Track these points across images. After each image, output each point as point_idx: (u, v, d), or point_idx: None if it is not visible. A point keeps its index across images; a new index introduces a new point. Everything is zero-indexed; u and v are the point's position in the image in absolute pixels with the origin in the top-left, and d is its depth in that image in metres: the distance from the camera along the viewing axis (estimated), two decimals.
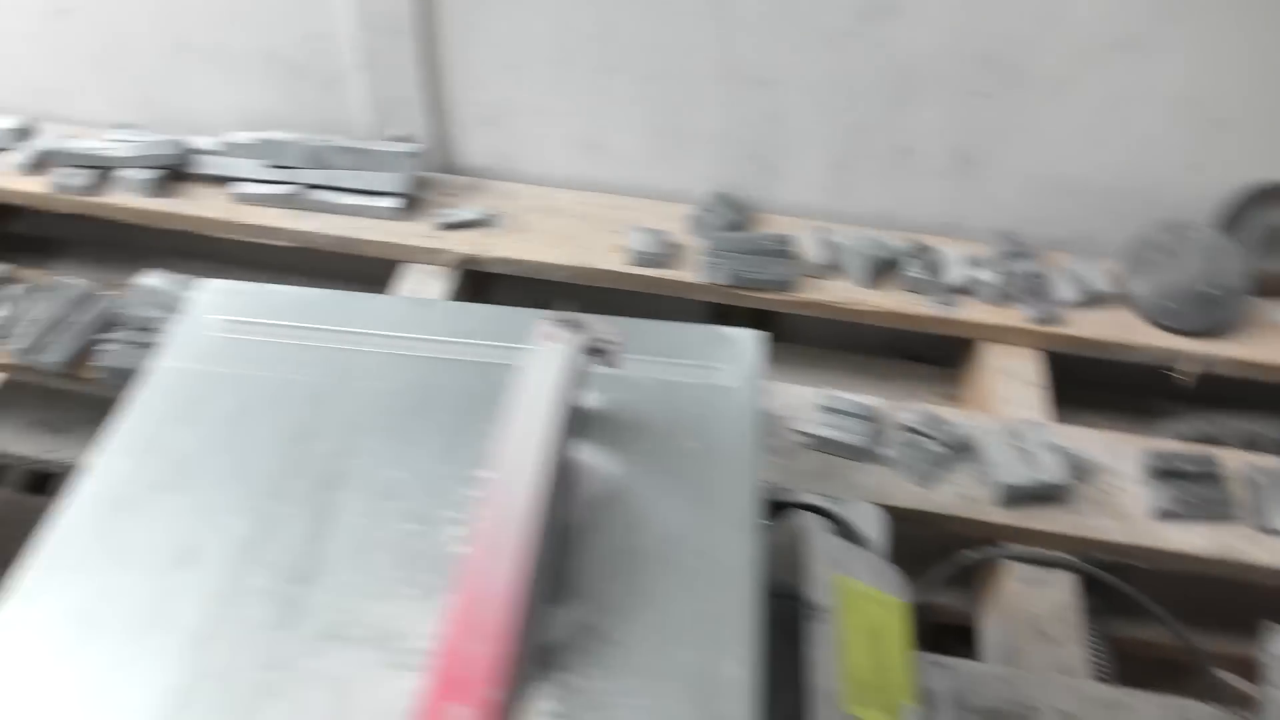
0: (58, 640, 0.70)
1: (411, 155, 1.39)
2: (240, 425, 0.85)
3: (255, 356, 0.90)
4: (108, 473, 0.81)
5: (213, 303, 0.94)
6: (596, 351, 0.78)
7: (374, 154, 1.39)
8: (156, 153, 1.40)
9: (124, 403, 0.87)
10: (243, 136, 1.42)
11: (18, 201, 1.42)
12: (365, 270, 1.41)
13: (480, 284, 1.40)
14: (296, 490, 0.80)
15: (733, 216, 1.40)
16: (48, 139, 1.45)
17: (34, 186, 1.41)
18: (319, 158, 1.40)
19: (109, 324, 1.23)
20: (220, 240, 1.40)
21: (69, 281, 1.25)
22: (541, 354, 0.75)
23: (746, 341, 0.95)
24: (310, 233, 1.37)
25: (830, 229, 1.39)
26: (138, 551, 0.76)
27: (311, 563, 0.76)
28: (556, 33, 1.32)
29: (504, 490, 0.65)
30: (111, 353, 1.18)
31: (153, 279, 1.20)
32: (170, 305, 1.19)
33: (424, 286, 1.34)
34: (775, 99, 1.34)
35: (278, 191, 1.38)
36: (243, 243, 1.40)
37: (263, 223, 1.38)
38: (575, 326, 0.79)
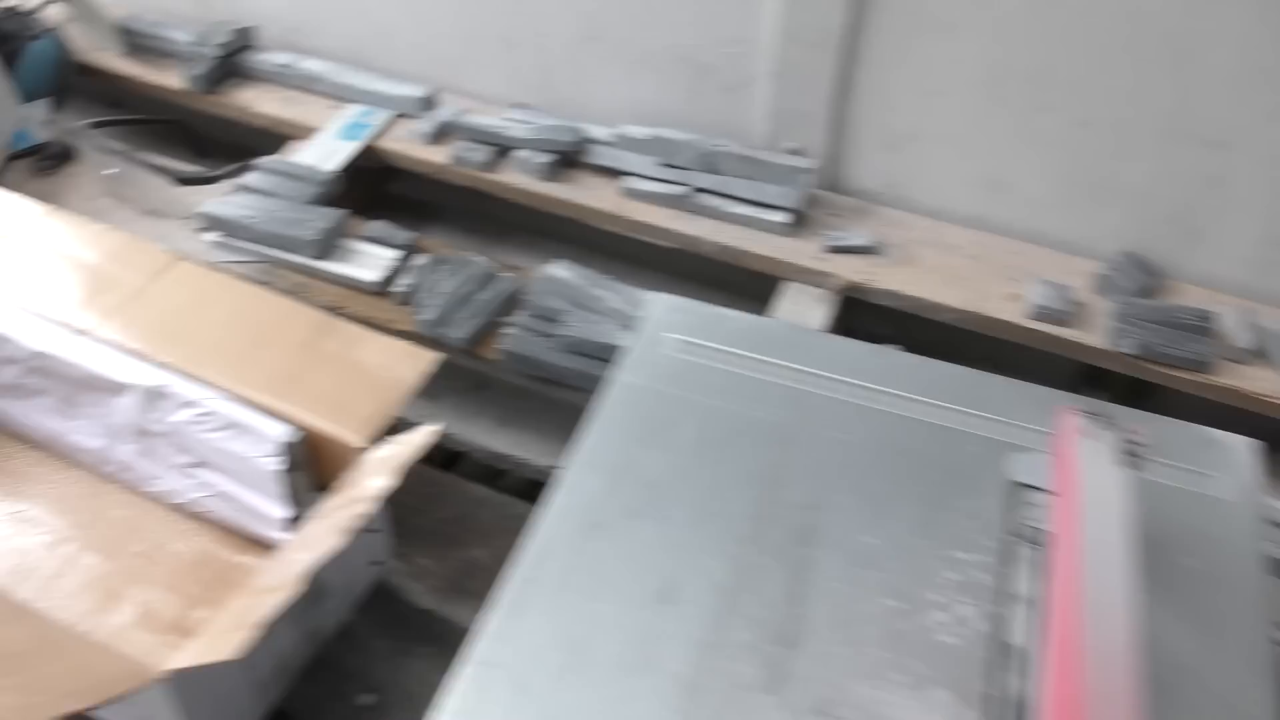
0: (549, 664, 0.70)
1: (805, 171, 1.35)
2: (707, 457, 0.83)
3: (714, 384, 0.88)
4: (579, 490, 0.80)
5: (666, 319, 0.92)
6: (1129, 454, 0.71)
7: (767, 165, 1.36)
8: (554, 138, 1.41)
9: (589, 415, 0.86)
10: (637, 131, 1.41)
11: (419, 169, 1.46)
12: (742, 282, 1.38)
13: (851, 313, 1.34)
14: (771, 540, 0.78)
15: (1144, 280, 1.29)
16: (448, 111, 1.49)
17: (435, 156, 1.45)
18: (711, 162, 1.37)
19: (509, 306, 1.25)
20: (595, 230, 1.40)
21: (473, 259, 1.27)
22: (1093, 457, 0.69)
23: (1240, 449, 0.85)
24: (695, 237, 1.35)
25: (1256, 309, 1.26)
26: (618, 581, 0.75)
27: (793, 625, 0.73)
28: (989, 65, 1.24)
29: (1098, 626, 0.59)
30: (513, 336, 1.19)
31: (558, 269, 1.20)
32: (574, 298, 1.20)
33: (804, 309, 1.30)
34: (1222, 162, 1.22)
35: (668, 191, 1.37)
36: (621, 236, 1.40)
37: (649, 220, 1.37)
38: (1106, 421, 0.72)
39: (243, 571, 1.00)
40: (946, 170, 1.36)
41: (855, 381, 0.88)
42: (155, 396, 0.96)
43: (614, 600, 0.73)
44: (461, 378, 1.32)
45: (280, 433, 0.92)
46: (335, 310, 1.23)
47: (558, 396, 1.22)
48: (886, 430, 0.85)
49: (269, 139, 1.53)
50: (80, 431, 1.05)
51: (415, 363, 0.99)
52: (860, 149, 1.39)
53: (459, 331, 1.20)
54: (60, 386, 1.02)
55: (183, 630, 0.95)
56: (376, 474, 0.82)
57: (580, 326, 1.16)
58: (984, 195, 1.37)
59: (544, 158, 1.40)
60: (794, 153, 1.40)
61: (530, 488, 1.31)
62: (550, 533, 0.77)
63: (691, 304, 0.95)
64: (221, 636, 0.73)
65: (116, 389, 0.97)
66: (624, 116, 1.45)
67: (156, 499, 1.05)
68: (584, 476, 0.81)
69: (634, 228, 1.38)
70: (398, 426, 0.93)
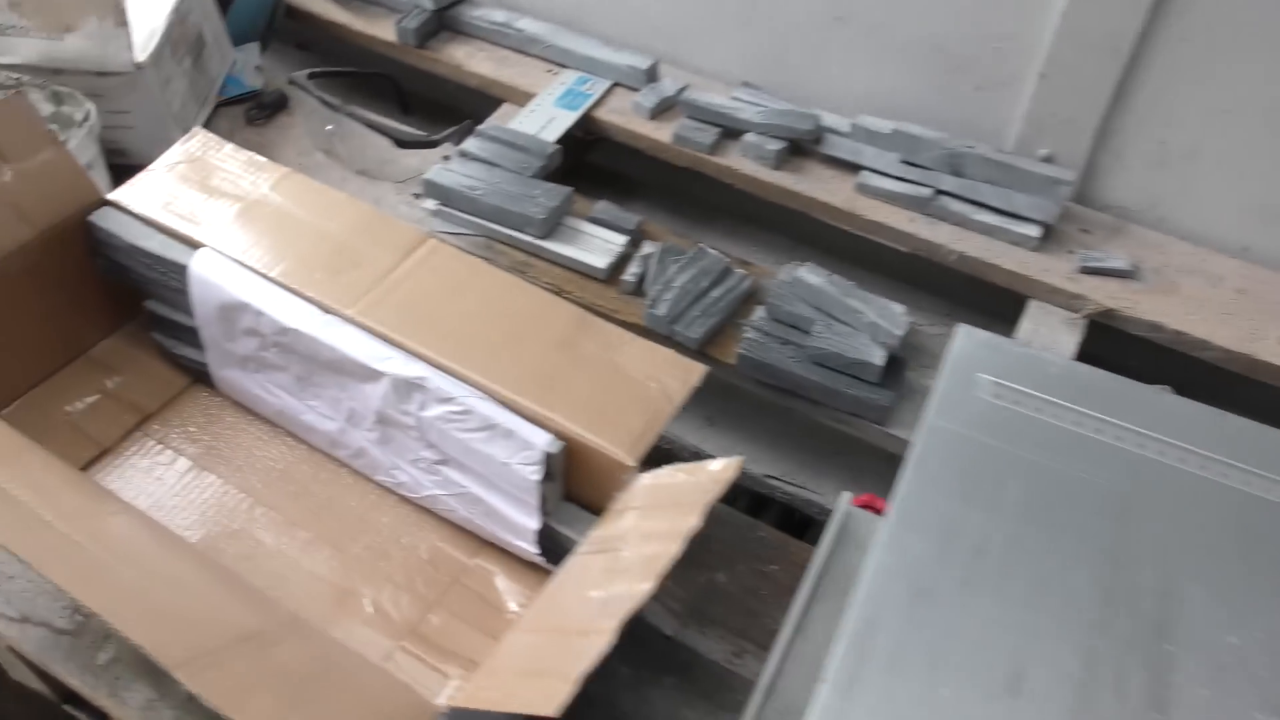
0: None
1: (1062, 182, 1.24)
2: (1039, 523, 0.75)
3: (1037, 438, 0.79)
4: (904, 551, 0.73)
5: (975, 356, 0.84)
6: None
7: (1020, 172, 1.25)
8: (788, 123, 1.32)
9: (904, 463, 0.79)
10: (877, 123, 1.31)
11: (637, 145, 1.38)
12: (978, 297, 1.29)
13: (1097, 341, 1.24)
14: (1123, 630, 0.69)
15: None
16: (670, 85, 1.40)
17: (656, 133, 1.37)
18: (957, 163, 1.28)
19: (743, 306, 1.17)
20: (818, 225, 1.31)
21: (707, 251, 1.19)
22: None
23: None
24: (935, 244, 1.26)
25: None
26: (959, 663, 0.68)
27: None
28: None
29: None
30: (751, 341, 1.11)
31: (808, 273, 1.12)
32: (824, 306, 1.11)
33: (1051, 333, 1.20)
34: None
35: (907, 191, 1.28)
36: (847, 235, 1.31)
37: (885, 221, 1.28)
38: None
39: (479, 577, 0.95)
40: (1220, 193, 1.25)
41: (1196, 449, 0.79)
42: (410, 388, 0.91)
43: (957, 686, 0.66)
44: None
45: (543, 441, 0.86)
46: (557, 293, 1.17)
47: (790, 406, 1.14)
48: (1238, 509, 0.76)
49: (478, 100, 1.47)
50: (315, 412, 1.00)
51: (682, 374, 0.92)
52: (1124, 162, 1.28)
53: (692, 331, 1.13)
54: (301, 364, 0.97)
55: (419, 636, 0.91)
56: (678, 510, 0.75)
57: (829, 338, 1.08)
58: (1257, 224, 1.25)
59: (775, 144, 1.32)
60: (1045, 160, 1.30)
61: (757, 503, 1.25)
62: (878, 598, 0.70)
63: (1002, 342, 0.87)
64: (530, 684, 0.67)
65: (369, 375, 0.92)
66: (859, 106, 1.36)
67: (387, 490, 1.00)
68: (907, 535, 0.74)
69: (866, 227, 1.29)
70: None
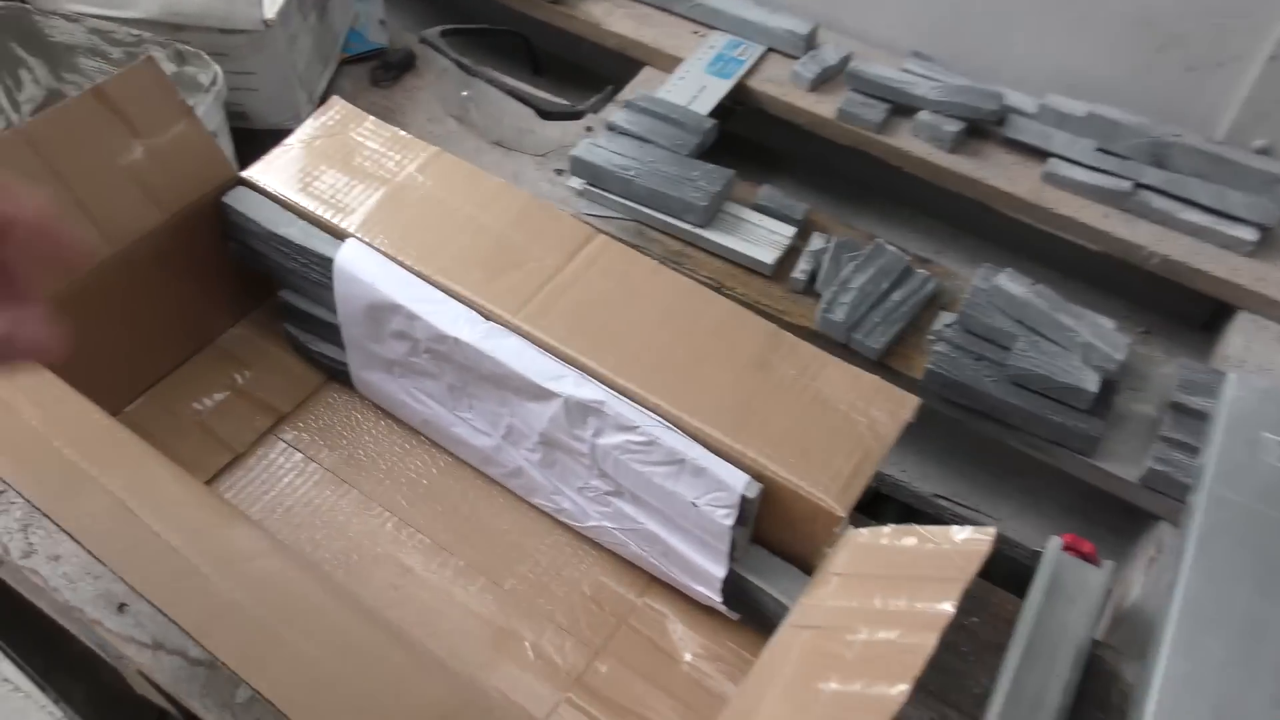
0: None
1: None
2: None
3: None
4: (1200, 658, 0.62)
5: (1258, 412, 0.71)
6: None
7: (1235, 165, 1.12)
8: (969, 101, 1.19)
9: (1183, 543, 0.67)
10: (1069, 105, 1.18)
11: (796, 119, 1.26)
12: (1176, 304, 1.16)
13: None
14: None
15: None
16: (832, 53, 1.27)
17: (818, 107, 1.24)
18: (1161, 153, 1.14)
19: (926, 312, 1.05)
20: (994, 216, 1.19)
21: (886, 248, 1.07)
22: None
23: None
24: (1132, 244, 1.12)
25: None
26: None
27: None
28: None
29: None
30: (942, 356, 1.00)
31: (1010, 282, 0.99)
32: (1028, 320, 0.99)
33: (1263, 349, 1.07)
34: None
35: (1103, 183, 1.14)
36: (1028, 228, 1.18)
37: (1075, 216, 1.15)
38: None
39: (649, 619, 0.86)
40: None
41: None
42: (585, 411, 0.81)
43: None
44: None
45: (740, 482, 0.76)
46: (718, 289, 1.06)
47: (978, 428, 1.03)
48: None
49: (616, 62, 1.35)
50: (468, 425, 0.90)
51: (892, 407, 0.80)
52: None
53: (872, 340, 1.01)
54: (456, 374, 0.87)
55: (585, 686, 0.82)
56: (922, 588, 0.65)
57: (1035, 358, 0.96)
58: None
59: (952, 125, 1.19)
60: (1262, 151, 1.16)
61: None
62: (1176, 715, 0.59)
63: None
64: None
65: (538, 394, 0.82)
66: (1046, 84, 1.22)
67: (544, 514, 0.91)
68: (1201, 637, 0.63)
69: (1053, 222, 1.16)
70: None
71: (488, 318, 0.85)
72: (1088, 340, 0.95)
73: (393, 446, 0.95)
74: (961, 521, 1.12)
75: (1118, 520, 1.06)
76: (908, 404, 0.81)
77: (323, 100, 1.21)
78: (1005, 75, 1.24)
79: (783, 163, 1.39)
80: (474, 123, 1.21)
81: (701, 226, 1.09)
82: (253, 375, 0.99)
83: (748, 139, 1.37)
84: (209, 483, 0.91)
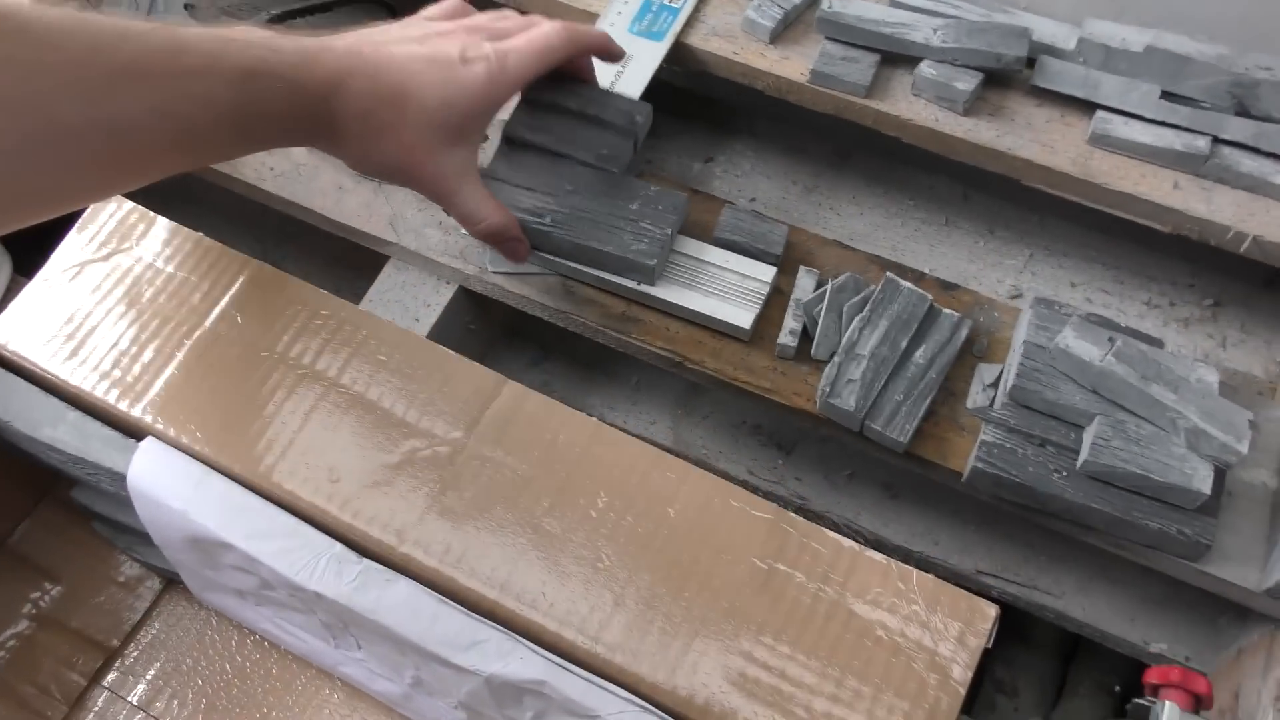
0: None
1: None
2: None
3: None
4: None
5: None
6: None
7: None
8: (984, 45, 0.88)
9: None
10: (1117, 34, 0.88)
11: (755, 83, 0.95)
12: (1254, 294, 0.90)
13: None
14: None
15: None
16: None
17: (781, 66, 0.93)
18: (1246, 96, 0.85)
19: (961, 366, 0.79)
20: (1019, 190, 0.91)
21: (902, 285, 0.80)
22: None
23: None
24: (1212, 223, 0.85)
25: None
26: None
27: None
28: None
29: None
30: (993, 447, 0.74)
31: (1074, 337, 0.73)
32: (1106, 390, 0.73)
33: None
34: None
35: (1170, 143, 0.86)
36: (1070, 205, 0.91)
37: (1135, 191, 0.86)
38: None
39: None
40: None
41: None
42: (520, 692, 0.55)
43: None
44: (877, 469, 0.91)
45: None
46: (679, 365, 0.79)
47: (1046, 525, 0.78)
48: None
49: None
50: (362, 666, 0.65)
51: (961, 625, 0.56)
52: None
53: (895, 429, 0.75)
54: (331, 616, 0.61)
55: None
56: None
57: (1122, 451, 0.71)
58: None
59: (966, 80, 0.89)
60: None
61: None
62: None
63: None
64: None
65: (451, 668, 0.56)
66: (1083, 4, 0.92)
67: None
68: None
69: (1104, 198, 0.88)
70: None
71: (362, 550, 0.58)
72: (1195, 425, 0.69)
73: (274, 680, 0.69)
74: (1013, 600, 0.89)
75: (1213, 608, 0.84)
76: (981, 616, 0.56)
77: None
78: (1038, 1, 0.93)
79: (740, 121, 1.08)
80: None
81: (650, 284, 0.80)
82: (61, 592, 0.72)
83: (686, 91, 1.06)
84: None
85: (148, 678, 0.69)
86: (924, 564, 0.90)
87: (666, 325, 0.82)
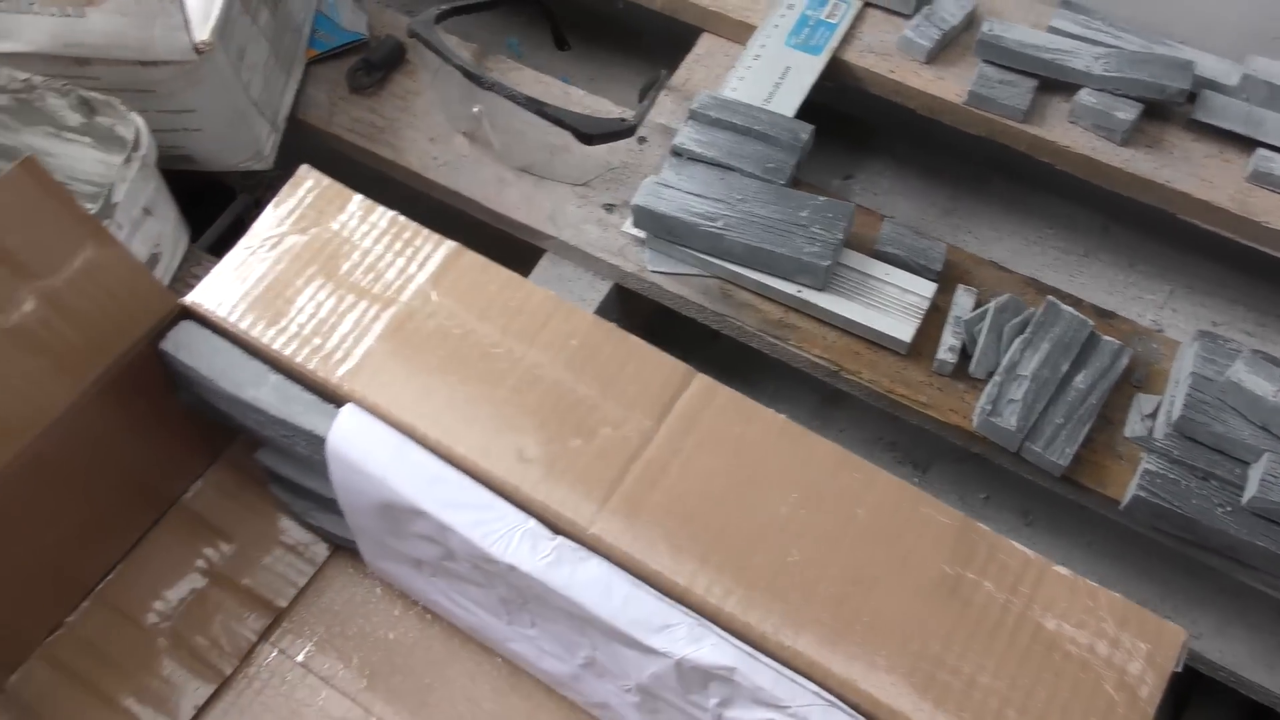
0: None
1: None
2: None
3: None
4: None
5: None
6: None
7: None
8: (1147, 77, 0.89)
9: None
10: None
11: (909, 103, 0.96)
12: None
13: None
14: None
15: None
16: (953, 9, 0.96)
17: (936, 86, 0.94)
18: None
19: (1120, 394, 0.79)
20: (1174, 226, 0.91)
21: (1063, 309, 0.80)
22: None
23: None
24: None
25: None
26: None
27: None
28: None
29: None
30: (1156, 477, 0.74)
31: (1246, 371, 0.73)
32: (1269, 424, 0.73)
33: None
34: None
35: None
36: (1227, 244, 0.91)
37: None
38: None
39: None
40: None
41: None
42: (708, 678, 0.56)
43: None
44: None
45: None
46: (835, 372, 0.80)
47: (1201, 559, 0.78)
48: None
49: (663, 28, 1.04)
50: (532, 644, 0.66)
51: (1150, 646, 0.56)
52: None
53: (1055, 452, 0.75)
54: (511, 591, 0.62)
55: None
56: None
57: None
58: None
59: (1127, 110, 0.89)
60: None
61: None
62: None
63: None
64: None
65: (639, 648, 0.57)
66: (1246, 36, 0.92)
67: None
68: None
69: (1263, 238, 0.89)
70: None
71: (553, 528, 0.59)
72: None
73: (432, 652, 0.71)
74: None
75: None
76: (1170, 638, 0.56)
77: (291, 120, 0.92)
78: (1185, 26, 0.94)
79: (878, 139, 1.09)
80: (490, 142, 0.92)
81: (819, 289, 0.81)
82: (233, 551, 0.74)
83: (827, 107, 1.07)
84: None
85: (314, 640, 0.71)
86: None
87: (824, 334, 0.83)
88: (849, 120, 1.09)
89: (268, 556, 0.73)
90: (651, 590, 0.57)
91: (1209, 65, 0.92)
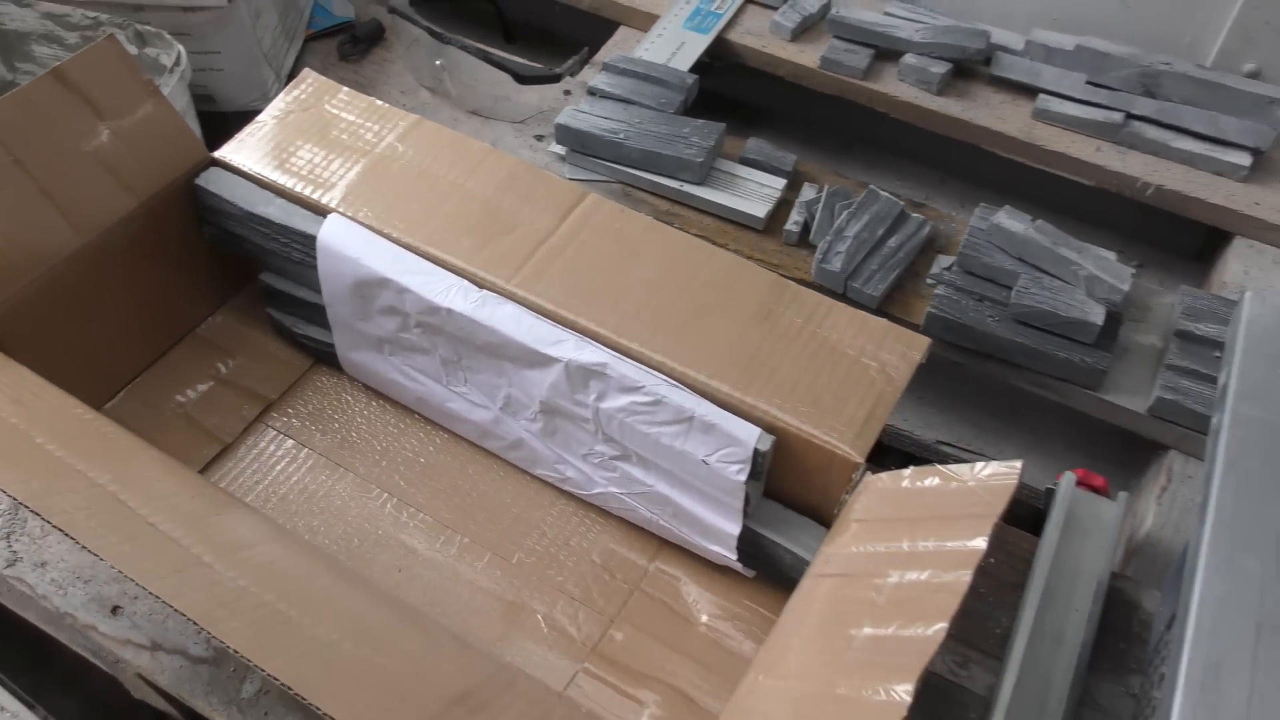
0: None
1: (1278, 102, 1.09)
2: None
3: None
4: (1237, 576, 0.60)
5: (1278, 328, 0.70)
6: None
7: (1227, 91, 1.10)
8: (954, 41, 1.16)
9: (1211, 464, 0.66)
10: (1056, 39, 1.16)
11: (778, 71, 1.23)
12: (1169, 234, 1.15)
13: None
14: None
15: None
16: (811, 0, 1.24)
17: (800, 57, 1.21)
18: (1151, 83, 1.12)
19: (923, 257, 1.03)
20: (980, 156, 1.17)
21: (879, 194, 1.05)
22: None
23: None
24: (1126, 175, 1.11)
25: None
26: None
27: None
28: None
29: None
30: (944, 299, 0.98)
31: (1010, 220, 0.97)
32: (1029, 257, 0.97)
33: (1261, 274, 1.06)
34: None
35: (1094, 116, 1.12)
36: (1019, 168, 1.17)
37: (1068, 151, 1.13)
38: None
39: (661, 583, 0.84)
40: None
41: None
42: (587, 375, 0.78)
43: None
44: None
45: (751, 436, 0.74)
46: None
47: (984, 371, 1.01)
48: None
49: (589, 24, 1.32)
50: (464, 399, 0.88)
51: (901, 349, 0.78)
52: None
53: (871, 287, 0.99)
54: (449, 347, 0.85)
55: (602, 656, 0.80)
56: (949, 527, 0.63)
57: (1039, 295, 0.94)
58: None
59: (939, 67, 1.16)
60: (1251, 75, 1.14)
61: None
62: (1217, 637, 0.58)
63: None
64: None
65: (538, 361, 0.79)
66: (1032, 19, 1.20)
67: (548, 484, 0.89)
68: (1237, 556, 0.61)
69: (1045, 159, 1.15)
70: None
71: (481, 286, 0.82)
72: (1091, 273, 0.93)
73: (386, 426, 0.93)
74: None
75: (1123, 454, 1.05)
76: (918, 344, 0.79)
77: (290, 79, 1.18)
78: (989, 13, 1.22)
79: (762, 117, 1.36)
80: (449, 92, 1.18)
81: (698, 183, 1.06)
82: (237, 363, 0.96)
83: (724, 95, 1.34)
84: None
85: (296, 420, 0.92)
86: (894, 435, 1.11)
87: (701, 219, 1.08)
88: (738, 105, 1.37)
89: (263, 365, 0.95)
90: (548, 320, 0.80)
91: (1002, 36, 1.19)
